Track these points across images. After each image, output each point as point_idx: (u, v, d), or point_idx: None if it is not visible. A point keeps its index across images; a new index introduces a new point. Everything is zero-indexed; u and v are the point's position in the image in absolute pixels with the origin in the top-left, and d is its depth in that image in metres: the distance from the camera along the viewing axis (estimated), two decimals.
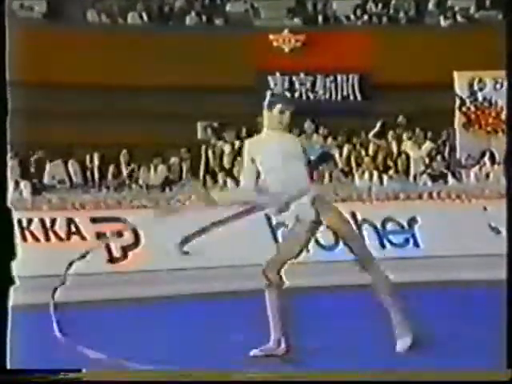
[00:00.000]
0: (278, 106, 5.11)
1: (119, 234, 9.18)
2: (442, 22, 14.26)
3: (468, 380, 4.31)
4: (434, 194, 10.58)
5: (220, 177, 11.49)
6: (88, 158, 12.69)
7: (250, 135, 13.36)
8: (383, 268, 5.16)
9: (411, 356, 4.94)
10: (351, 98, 13.92)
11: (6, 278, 3.76)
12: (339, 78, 14.07)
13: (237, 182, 11.55)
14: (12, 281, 3.78)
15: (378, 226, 10.10)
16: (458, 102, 11.99)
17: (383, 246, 10.08)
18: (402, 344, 5.02)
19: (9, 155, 4.06)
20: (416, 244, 10.11)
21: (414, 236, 10.14)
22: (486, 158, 11.67)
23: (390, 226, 10.17)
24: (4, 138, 3.75)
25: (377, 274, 5.06)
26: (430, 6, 14.60)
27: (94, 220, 9.47)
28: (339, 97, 14.03)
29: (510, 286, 4.26)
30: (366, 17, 14.65)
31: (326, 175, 11.18)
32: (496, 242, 9.76)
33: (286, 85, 14.09)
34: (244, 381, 4.41)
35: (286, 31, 14.19)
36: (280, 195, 5.03)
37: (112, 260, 9.36)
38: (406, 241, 10.11)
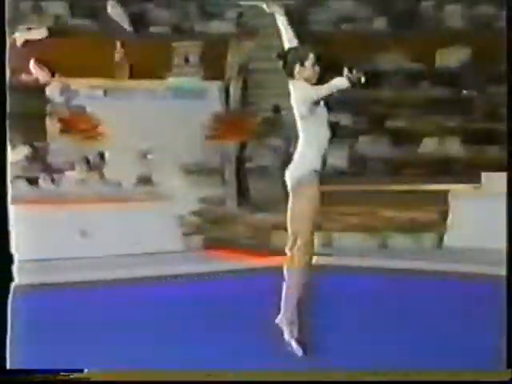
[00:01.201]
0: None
1: None
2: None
3: (468, 380, 4.33)
4: (29, 199, 10.71)
5: None
6: None
7: None
8: None
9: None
10: None
11: None
12: None
13: None
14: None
15: None
16: (50, 107, 12.15)
17: None
18: None
19: None
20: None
21: None
22: (81, 164, 12.03)
23: None
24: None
25: None
26: None
27: None
28: None
29: (509, 286, 4.27)
30: None
31: None
32: (84, 245, 10.32)
33: None
34: (242, 380, 4.42)
35: None
36: None
37: None
38: None
